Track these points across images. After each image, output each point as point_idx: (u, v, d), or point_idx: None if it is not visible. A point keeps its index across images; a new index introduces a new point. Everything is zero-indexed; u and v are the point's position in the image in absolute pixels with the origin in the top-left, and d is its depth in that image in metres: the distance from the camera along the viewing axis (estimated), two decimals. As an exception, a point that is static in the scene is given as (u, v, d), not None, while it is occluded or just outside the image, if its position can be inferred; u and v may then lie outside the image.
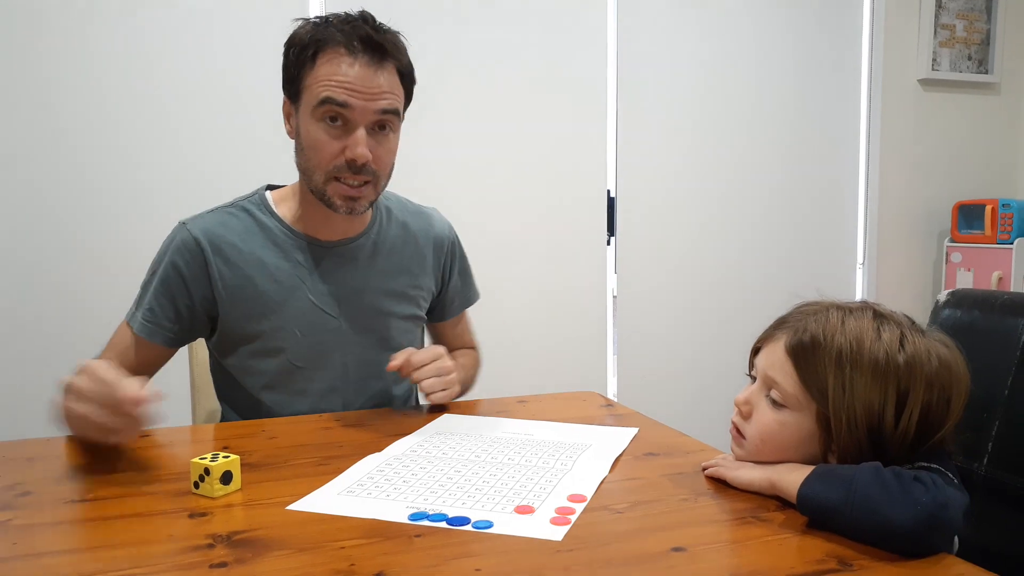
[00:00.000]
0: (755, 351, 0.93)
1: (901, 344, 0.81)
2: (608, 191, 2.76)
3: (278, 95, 1.27)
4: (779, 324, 0.90)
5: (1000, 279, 2.79)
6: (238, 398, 1.31)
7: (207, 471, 0.87)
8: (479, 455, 1.02)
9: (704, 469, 0.94)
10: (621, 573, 0.69)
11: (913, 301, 3.10)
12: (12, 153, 2.22)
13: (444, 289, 1.45)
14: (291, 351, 1.27)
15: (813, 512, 0.76)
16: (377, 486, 0.91)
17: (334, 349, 1.30)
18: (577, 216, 2.71)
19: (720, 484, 0.91)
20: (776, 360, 0.87)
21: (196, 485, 0.89)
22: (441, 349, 1.27)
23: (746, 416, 0.90)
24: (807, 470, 0.80)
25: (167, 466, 0.98)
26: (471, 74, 2.58)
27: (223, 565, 0.71)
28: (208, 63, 2.34)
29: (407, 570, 0.70)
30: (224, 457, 0.89)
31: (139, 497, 0.89)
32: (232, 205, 1.30)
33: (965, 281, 2.92)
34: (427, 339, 1.53)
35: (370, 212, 1.33)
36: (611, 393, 2.77)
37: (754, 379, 0.92)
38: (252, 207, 1.30)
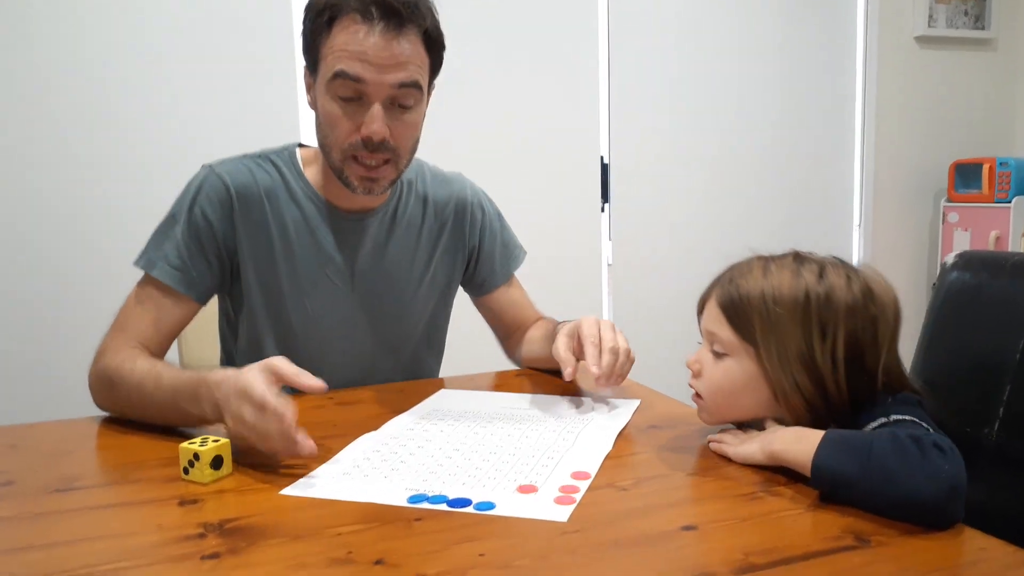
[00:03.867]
0: (699, 314, 0.96)
1: (819, 279, 0.85)
2: (601, 157, 2.71)
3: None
4: (713, 284, 0.94)
5: (998, 238, 2.77)
6: (242, 363, 1.24)
7: (196, 456, 0.84)
8: (478, 432, 0.99)
9: (709, 443, 0.92)
10: (630, 555, 0.66)
11: (910, 262, 3.08)
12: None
13: (477, 256, 1.36)
14: (300, 324, 1.22)
15: (827, 484, 0.74)
16: (374, 467, 0.88)
17: (346, 325, 1.25)
18: (570, 183, 2.67)
19: (726, 460, 0.89)
20: (712, 315, 0.91)
21: (185, 471, 0.86)
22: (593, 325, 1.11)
23: (697, 375, 0.93)
24: (813, 438, 0.77)
25: (156, 450, 0.94)
26: (460, 40, 2.51)
27: (215, 556, 0.68)
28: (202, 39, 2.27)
29: (407, 556, 0.67)
30: (214, 441, 0.86)
31: (126, 485, 0.86)
32: (261, 156, 1.22)
33: (962, 241, 2.90)
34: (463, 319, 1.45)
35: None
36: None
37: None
38: (280, 162, 1.22)
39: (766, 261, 0.90)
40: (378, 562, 0.66)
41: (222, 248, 1.18)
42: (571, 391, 1.18)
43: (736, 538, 0.68)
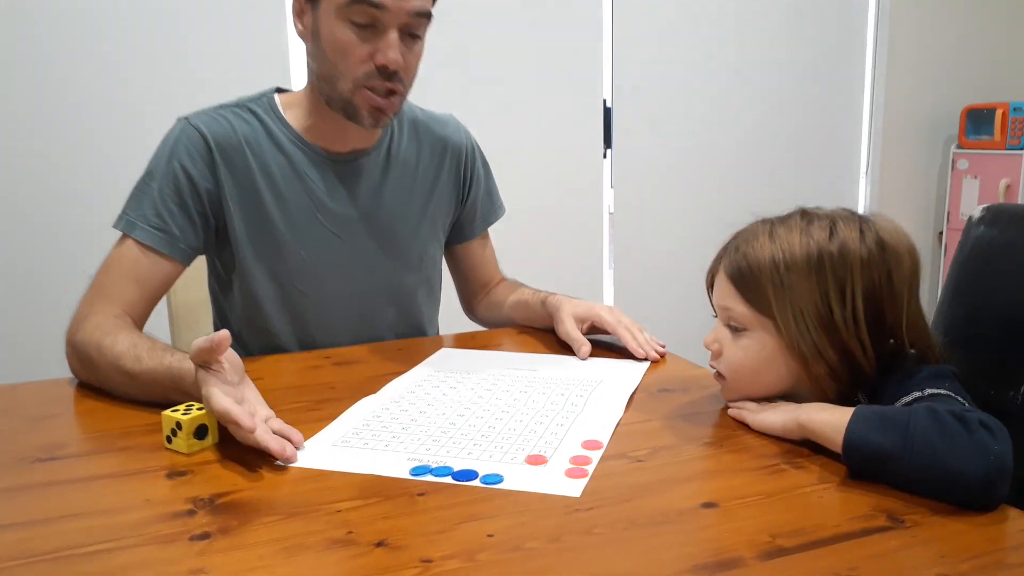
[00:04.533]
0: (710, 288, 0.91)
1: (831, 235, 0.81)
2: (604, 101, 2.62)
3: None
4: (720, 255, 0.89)
5: (1008, 187, 2.70)
6: (238, 325, 1.20)
7: (179, 425, 0.79)
8: (482, 396, 0.94)
9: (727, 409, 0.88)
10: (648, 536, 0.62)
11: (916, 211, 3.02)
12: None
13: (464, 203, 1.31)
14: (296, 275, 1.17)
15: (862, 460, 0.69)
16: (374, 435, 0.83)
17: (343, 274, 1.19)
18: (570, 128, 2.58)
19: (742, 426, 0.84)
20: (723, 290, 0.86)
21: (168, 439, 0.81)
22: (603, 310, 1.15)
23: (717, 355, 0.88)
24: (840, 410, 0.73)
25: (142, 416, 0.90)
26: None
27: (205, 536, 0.64)
28: None
29: (411, 537, 0.63)
30: (199, 409, 0.81)
31: (112, 454, 0.82)
32: (238, 105, 1.16)
33: (971, 189, 2.84)
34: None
35: None
36: None
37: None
38: (259, 109, 1.15)
39: (772, 224, 0.85)
40: (380, 543, 0.62)
41: (205, 203, 1.11)
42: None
43: (760, 517, 0.64)
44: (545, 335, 1.23)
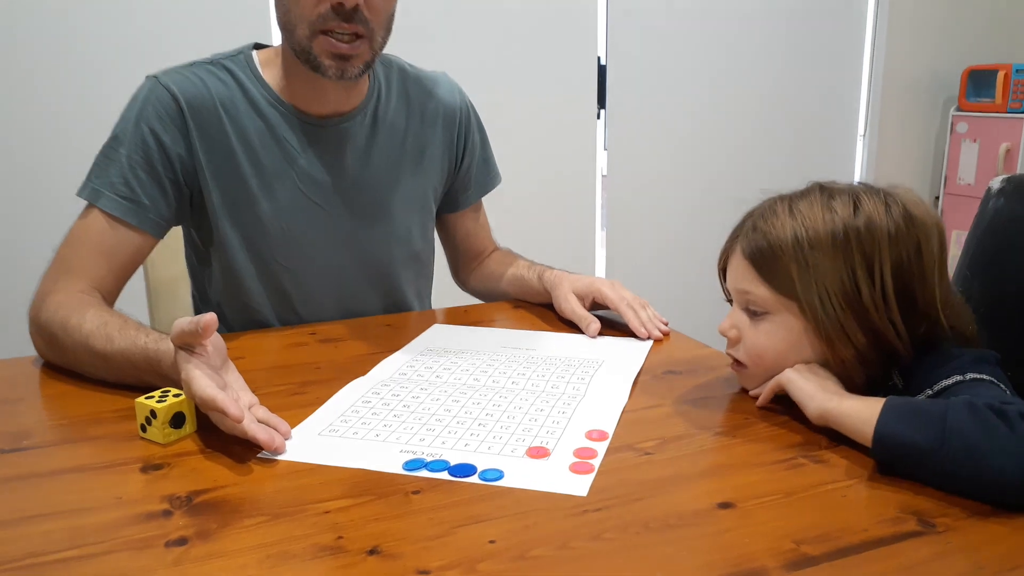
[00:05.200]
0: (723, 272, 0.86)
1: (855, 209, 0.76)
2: (598, 58, 2.53)
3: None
4: (733, 236, 0.84)
5: (1008, 151, 2.66)
6: (217, 300, 1.14)
7: (153, 413, 0.74)
8: (478, 379, 0.89)
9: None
10: (662, 541, 0.58)
11: (912, 176, 2.97)
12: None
13: (457, 171, 1.24)
14: (276, 248, 1.10)
15: (892, 455, 0.65)
16: (364, 423, 0.78)
17: (327, 248, 1.12)
18: (563, 87, 2.49)
19: (756, 411, 0.80)
20: (741, 272, 0.81)
21: (143, 428, 0.75)
22: (610, 288, 1.09)
23: (735, 341, 0.83)
24: (868, 401, 0.68)
25: (115, 400, 0.84)
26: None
27: (182, 542, 0.58)
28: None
29: (406, 543, 0.58)
30: (175, 396, 0.75)
31: (82, 444, 0.76)
32: (212, 63, 1.07)
33: (970, 153, 2.79)
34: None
35: (367, 82, 1.12)
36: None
37: (732, 302, 0.85)
38: (236, 68, 1.07)
39: (790, 200, 0.79)
40: (372, 551, 0.57)
41: (178, 171, 1.04)
42: (575, 325, 1.08)
43: (781, 519, 0.60)
44: (541, 310, 1.17)
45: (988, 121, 2.74)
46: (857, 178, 2.90)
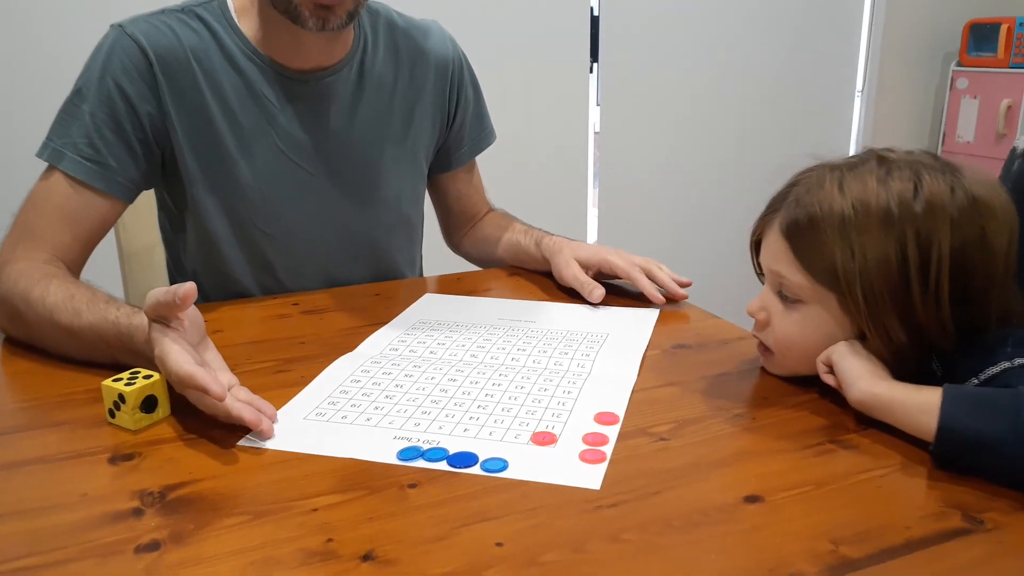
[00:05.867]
0: (756, 245, 0.77)
1: (916, 187, 0.66)
2: (591, 8, 2.42)
3: None
4: (772, 207, 0.75)
5: (1009, 107, 2.59)
6: (193, 268, 1.07)
7: (122, 398, 0.67)
8: (475, 355, 0.83)
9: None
10: (689, 542, 0.52)
11: (910, 132, 2.90)
12: None
13: (450, 127, 1.16)
14: (256, 213, 1.02)
15: (958, 449, 0.58)
16: (353, 405, 0.72)
17: (310, 213, 1.05)
18: (554, 40, 2.39)
19: (775, 389, 0.75)
20: (776, 251, 0.73)
21: (111, 413, 0.69)
22: (616, 256, 1.02)
23: (763, 325, 0.75)
24: (921, 389, 0.62)
25: (85, 378, 0.77)
26: None
27: (153, 547, 0.53)
28: None
29: (403, 545, 0.52)
30: (145, 378, 0.69)
31: (44, 431, 0.69)
32: (183, 10, 0.98)
33: (970, 110, 2.72)
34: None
35: (351, 33, 1.03)
36: (591, 239, 2.58)
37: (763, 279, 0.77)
38: (209, 16, 0.98)
39: (841, 172, 0.69)
40: (366, 557, 0.51)
41: (147, 129, 0.95)
42: (575, 295, 1.02)
43: (815, 515, 0.55)
44: (538, 278, 1.11)
45: (989, 76, 2.67)
46: (854, 136, 2.83)
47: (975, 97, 2.71)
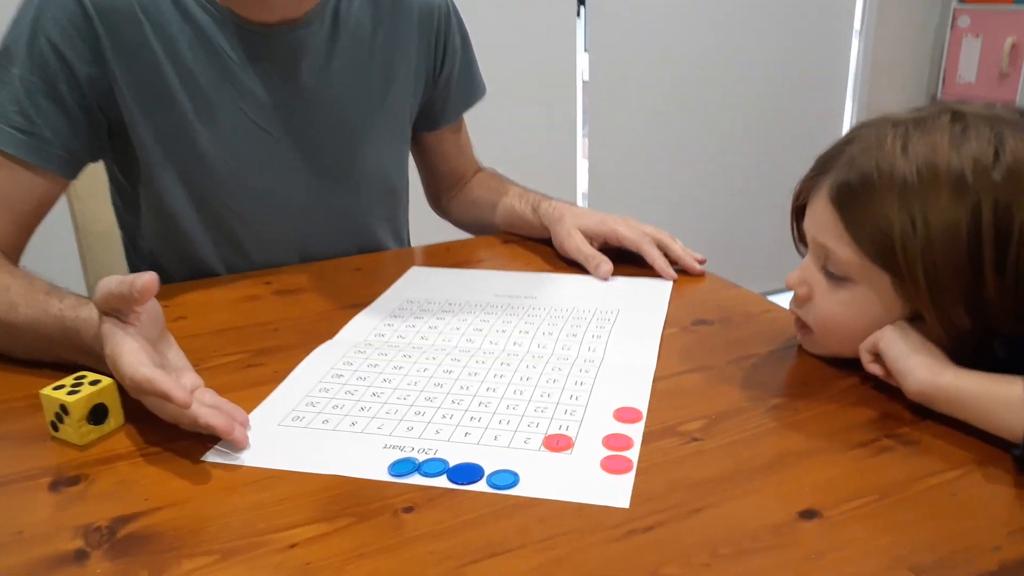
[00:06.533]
0: (798, 211, 0.68)
1: (998, 151, 0.56)
2: (575, -51, 2.28)
3: None
4: (820, 167, 0.65)
5: (1013, 46, 2.48)
6: (151, 247, 0.96)
7: (64, 409, 0.58)
8: (472, 340, 0.74)
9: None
10: (743, 573, 0.44)
11: (910, 73, 2.80)
12: None
13: (436, 82, 1.04)
14: (220, 186, 0.91)
15: None
16: (336, 406, 0.63)
17: (281, 184, 0.94)
18: (537, -18, 2.25)
19: (815, 372, 0.66)
20: (823, 219, 0.63)
21: (54, 427, 0.59)
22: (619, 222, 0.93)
23: (804, 300, 0.66)
24: (996, 379, 0.54)
25: (26, 382, 0.67)
26: None
27: (99, 604, 0.44)
28: None
29: (401, 590, 0.44)
30: (92, 384, 0.59)
31: (-24, 450, 0.60)
32: None
33: (972, 49, 2.61)
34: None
35: None
36: (580, 193, 2.47)
37: (805, 249, 0.68)
38: None
39: (906, 128, 0.59)
40: (357, 609, 0.43)
41: (88, 94, 0.83)
42: (577, 266, 0.92)
43: (885, 535, 0.46)
44: (535, 246, 1.01)
45: (993, 14, 2.56)
46: (851, 76, 2.72)
47: (977, 36, 2.60)
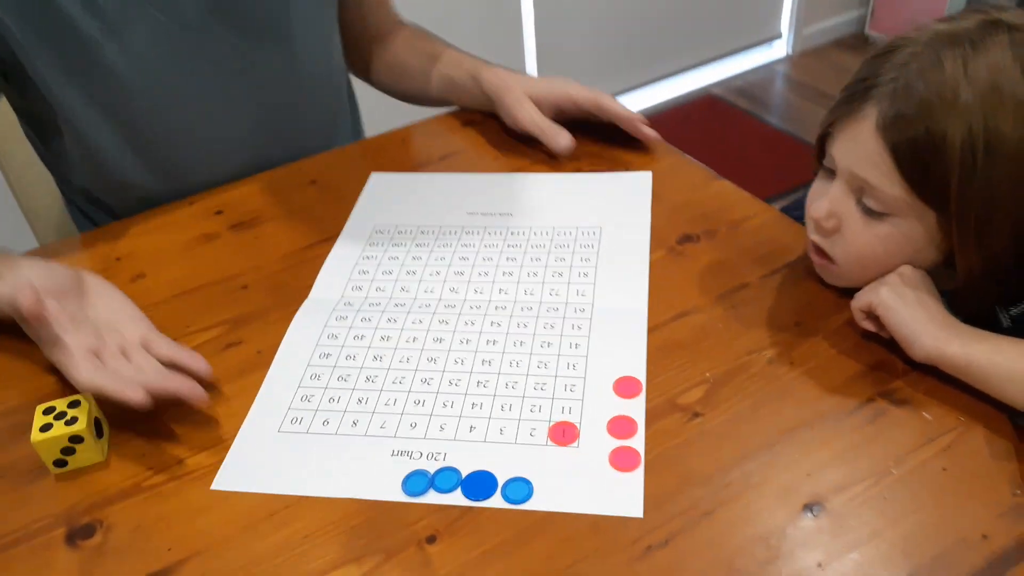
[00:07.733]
0: (824, 136, 0.62)
1: None
2: None
3: None
4: (863, 88, 0.57)
5: None
6: (89, 192, 0.87)
7: (76, 439, 0.56)
8: (455, 289, 0.71)
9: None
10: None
11: None
12: None
13: None
14: (138, 104, 0.80)
15: None
16: (332, 399, 0.62)
17: (206, 93, 0.83)
18: None
19: (806, 311, 0.66)
20: (865, 152, 0.57)
21: (59, 464, 0.58)
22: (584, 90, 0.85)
23: (831, 232, 0.62)
24: (1008, 342, 0.54)
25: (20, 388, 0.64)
26: None
27: None
28: None
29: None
30: (71, 405, 0.58)
31: (-28, 499, 0.58)
32: None
33: None
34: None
35: None
36: (530, 65, 2.19)
37: (824, 172, 0.63)
38: None
39: (963, 47, 0.53)
40: (407, 674, 0.46)
41: None
42: (534, 143, 0.86)
43: (884, 530, 0.50)
44: (492, 124, 0.93)
45: None
46: None
47: None
